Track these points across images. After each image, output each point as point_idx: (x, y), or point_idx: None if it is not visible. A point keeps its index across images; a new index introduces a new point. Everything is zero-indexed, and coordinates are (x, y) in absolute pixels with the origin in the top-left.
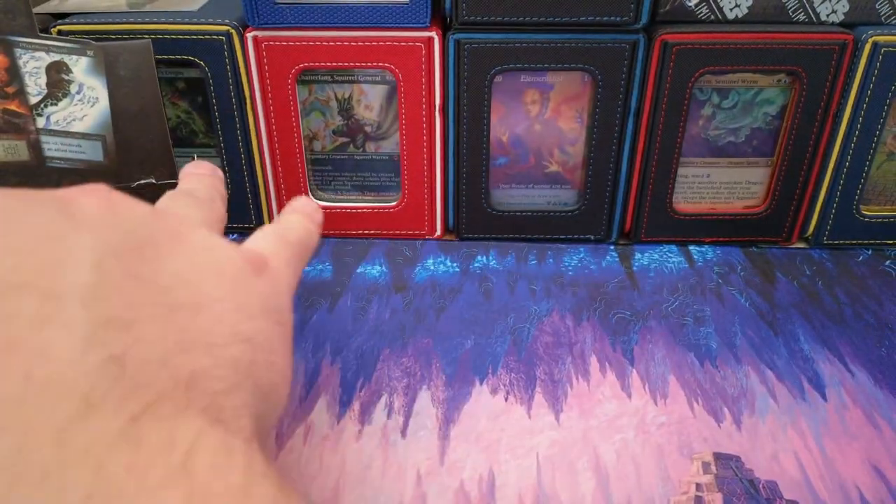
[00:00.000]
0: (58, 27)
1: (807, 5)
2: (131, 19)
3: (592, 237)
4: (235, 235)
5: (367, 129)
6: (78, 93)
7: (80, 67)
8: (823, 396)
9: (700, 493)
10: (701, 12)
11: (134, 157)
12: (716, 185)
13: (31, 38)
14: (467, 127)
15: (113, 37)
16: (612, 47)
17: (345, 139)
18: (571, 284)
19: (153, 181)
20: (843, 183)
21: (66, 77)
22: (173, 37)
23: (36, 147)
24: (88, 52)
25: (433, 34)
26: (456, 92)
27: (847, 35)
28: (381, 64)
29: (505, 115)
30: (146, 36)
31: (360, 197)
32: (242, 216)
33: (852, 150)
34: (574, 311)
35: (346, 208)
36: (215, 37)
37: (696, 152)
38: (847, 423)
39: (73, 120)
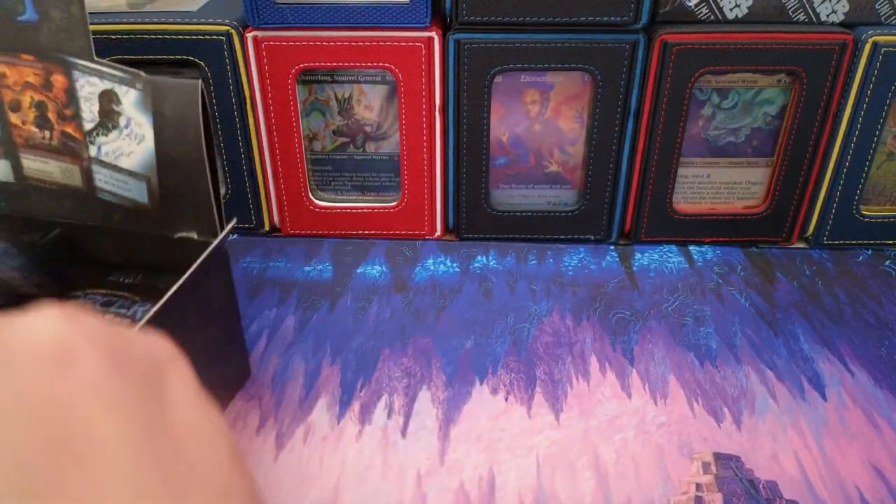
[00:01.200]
0: None
1: (807, 5)
2: (131, 19)
3: (592, 237)
4: (236, 235)
5: (367, 129)
6: (126, 126)
7: (129, 99)
8: (823, 396)
9: (700, 493)
10: (701, 12)
11: (177, 205)
12: (716, 185)
13: (88, 61)
14: (467, 127)
15: (114, 37)
16: (612, 47)
17: (345, 139)
18: (571, 284)
19: (194, 236)
20: (843, 183)
21: (115, 108)
22: (173, 37)
23: (88, 175)
24: (137, 85)
25: (433, 34)
26: (456, 92)
27: (847, 35)
28: (381, 64)
29: (505, 115)
30: (146, 36)
31: (360, 197)
32: (242, 216)
33: (852, 150)
34: (574, 311)
35: (346, 208)
36: (215, 37)
37: (696, 152)
38: (847, 423)
39: (121, 155)
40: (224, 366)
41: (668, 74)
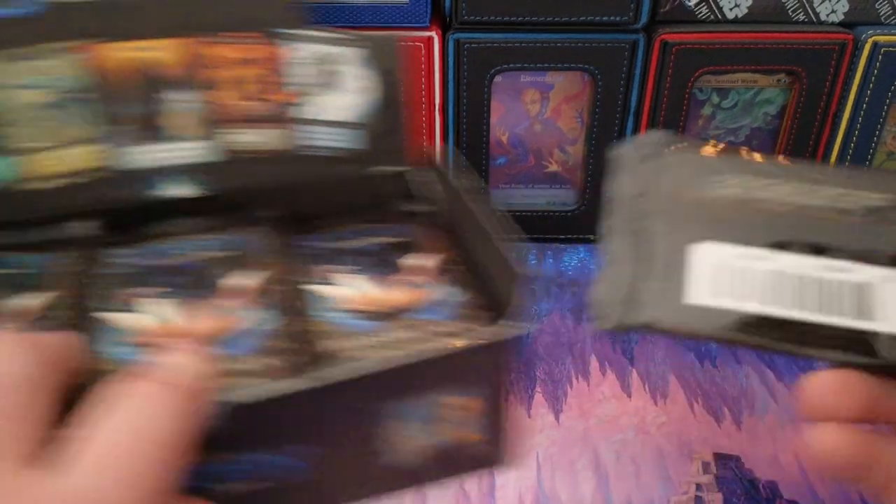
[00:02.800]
0: None
1: (806, 5)
2: None
3: (592, 237)
4: None
5: None
6: (341, 83)
7: (346, 58)
8: None
9: (700, 493)
10: (701, 12)
11: (382, 147)
12: None
13: (301, 29)
14: (467, 127)
15: None
16: (612, 47)
17: None
18: (571, 284)
19: (397, 170)
20: None
21: (332, 68)
22: None
23: (297, 137)
24: (356, 44)
25: (433, 34)
26: (455, 92)
27: (847, 35)
28: None
29: (505, 114)
30: None
31: None
32: None
33: (852, 150)
34: (574, 311)
35: None
36: None
37: None
38: None
39: (334, 109)
40: None
41: (668, 74)
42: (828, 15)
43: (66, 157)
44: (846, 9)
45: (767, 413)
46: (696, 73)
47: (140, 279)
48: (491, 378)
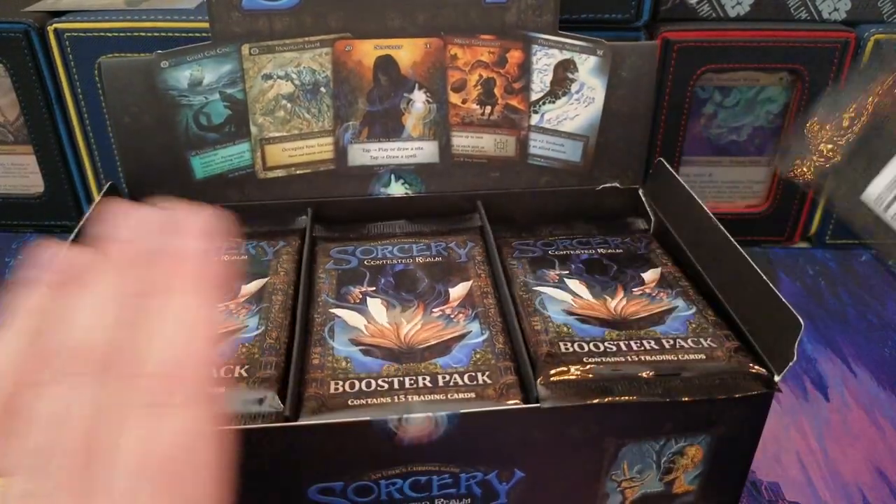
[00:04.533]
0: (54, 26)
1: (809, 3)
2: (128, 17)
3: None
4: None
5: None
6: (577, 91)
7: (586, 66)
8: (826, 397)
9: None
10: (702, 10)
11: (608, 159)
12: (718, 184)
13: (551, 34)
14: None
15: (110, 35)
16: None
17: None
18: None
19: (618, 185)
20: None
21: (570, 76)
22: (170, 34)
23: (523, 143)
24: (598, 52)
25: None
26: None
27: (849, 33)
28: None
29: None
30: (143, 34)
31: None
32: None
33: None
34: None
35: None
36: None
37: (697, 151)
38: (849, 424)
39: (565, 119)
40: None
41: (670, 72)
42: (830, 13)
43: (299, 149)
44: (848, 7)
45: (770, 414)
46: (698, 72)
47: (357, 278)
48: (728, 427)
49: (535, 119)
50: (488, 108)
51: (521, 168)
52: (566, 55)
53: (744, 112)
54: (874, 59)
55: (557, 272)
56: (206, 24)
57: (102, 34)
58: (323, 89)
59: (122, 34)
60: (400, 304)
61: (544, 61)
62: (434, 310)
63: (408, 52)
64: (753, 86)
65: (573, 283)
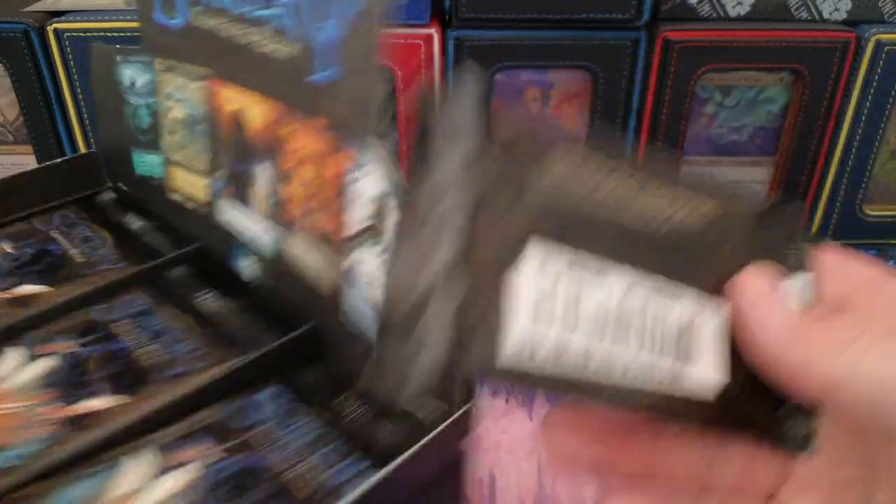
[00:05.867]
0: (53, 26)
1: (809, 3)
2: (128, 17)
3: None
4: None
5: None
6: (385, 251)
7: (392, 218)
8: None
9: None
10: (703, 10)
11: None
12: None
13: (374, 148)
14: None
15: (110, 35)
16: (614, 45)
17: None
18: None
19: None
20: (846, 182)
21: (381, 222)
22: None
23: (339, 289)
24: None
25: (432, 31)
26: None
27: (850, 33)
28: None
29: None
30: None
31: None
32: None
33: (855, 148)
34: None
35: None
36: None
37: (698, 151)
38: None
39: (372, 282)
40: None
41: (670, 72)
42: (831, 13)
43: (189, 181)
44: (849, 7)
45: None
46: (699, 72)
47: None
48: None
49: (349, 262)
50: (313, 219)
51: (337, 321)
52: (382, 189)
53: (745, 112)
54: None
55: None
56: None
57: (102, 34)
58: (202, 126)
59: (122, 34)
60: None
61: (364, 185)
62: None
63: (255, 113)
64: (754, 86)
65: None
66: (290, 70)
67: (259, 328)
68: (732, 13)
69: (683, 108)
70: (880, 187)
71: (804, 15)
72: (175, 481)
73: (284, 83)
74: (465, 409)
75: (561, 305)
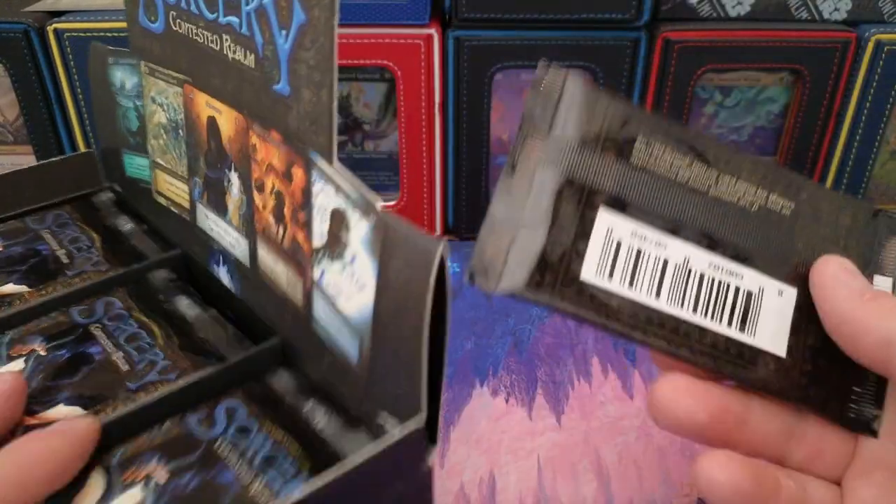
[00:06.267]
0: (53, 26)
1: (809, 3)
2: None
3: None
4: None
5: (366, 127)
6: (351, 263)
7: (357, 233)
8: None
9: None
10: (703, 10)
11: (380, 378)
12: None
13: (326, 163)
14: (467, 125)
15: (110, 35)
16: (614, 45)
17: (343, 137)
18: None
19: (388, 427)
20: (846, 182)
21: (342, 236)
22: None
23: (308, 299)
24: (369, 216)
25: (432, 31)
26: (455, 90)
27: (850, 33)
28: (379, 62)
29: (505, 113)
30: None
31: None
32: None
33: (855, 148)
34: None
35: None
36: None
37: None
38: None
39: (341, 294)
40: None
41: (670, 72)
42: (831, 13)
43: (172, 185)
44: (849, 7)
45: None
46: (699, 72)
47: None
48: None
49: (316, 273)
50: (281, 230)
51: (309, 331)
52: (340, 202)
53: (745, 112)
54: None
55: None
56: None
57: (102, 34)
58: (181, 132)
59: (122, 34)
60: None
61: (322, 198)
62: None
63: (226, 120)
64: (754, 86)
65: None
66: (256, 79)
67: (233, 338)
68: (732, 13)
69: (683, 108)
70: (880, 187)
71: (804, 15)
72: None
73: (251, 92)
74: (416, 428)
75: (623, 260)
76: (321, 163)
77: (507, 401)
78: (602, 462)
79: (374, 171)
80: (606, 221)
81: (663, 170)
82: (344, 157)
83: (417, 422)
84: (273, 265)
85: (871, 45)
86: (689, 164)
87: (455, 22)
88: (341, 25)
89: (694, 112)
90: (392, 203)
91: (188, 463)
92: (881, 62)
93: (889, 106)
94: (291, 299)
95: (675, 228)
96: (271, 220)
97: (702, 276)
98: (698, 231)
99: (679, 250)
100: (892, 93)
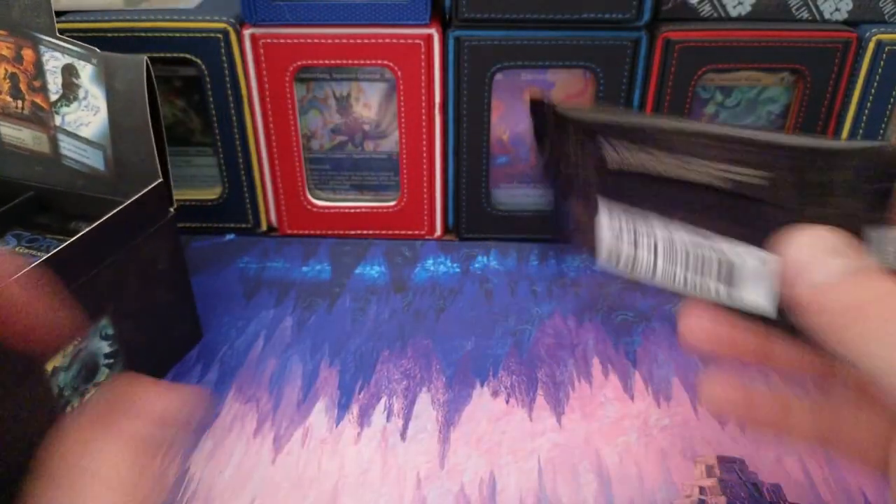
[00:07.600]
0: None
1: (810, 3)
2: (127, 17)
3: None
4: (232, 235)
5: (366, 127)
6: (84, 98)
7: (86, 73)
8: None
9: (703, 497)
10: (703, 10)
11: (128, 172)
12: None
13: (51, 37)
14: (467, 125)
15: (110, 35)
16: (614, 45)
17: (343, 138)
18: (574, 285)
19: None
20: None
21: (75, 81)
22: (170, 34)
23: (54, 143)
24: (92, 60)
25: (433, 31)
26: (456, 90)
27: (851, 33)
28: (380, 62)
29: (505, 113)
30: (143, 34)
31: (359, 196)
32: (239, 216)
33: None
34: (576, 313)
35: (344, 208)
36: (212, 34)
37: None
38: None
39: (81, 125)
40: (171, 326)
41: (671, 72)
42: (832, 13)
43: None
44: (850, 7)
45: None
46: (700, 72)
47: None
48: None
49: (58, 120)
50: (20, 102)
51: (58, 168)
52: (68, 59)
53: (745, 112)
54: None
55: None
56: (208, 24)
57: (102, 34)
58: None
59: (122, 34)
60: None
61: (52, 63)
62: None
63: None
64: (755, 86)
65: None
66: None
67: None
68: (733, 13)
69: (684, 108)
70: None
71: (805, 15)
72: None
73: None
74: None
75: (626, 233)
76: (47, 38)
77: (507, 401)
78: (602, 463)
79: (374, 171)
80: (604, 220)
81: (637, 168)
82: (344, 156)
83: (157, 182)
84: (17, 133)
85: (871, 46)
86: (656, 158)
87: (455, 22)
88: (341, 25)
89: (695, 112)
90: (392, 203)
91: None
92: (882, 62)
93: (890, 106)
94: (38, 151)
95: (658, 218)
96: (8, 99)
97: (687, 253)
98: (679, 218)
99: (664, 235)
100: (893, 93)
